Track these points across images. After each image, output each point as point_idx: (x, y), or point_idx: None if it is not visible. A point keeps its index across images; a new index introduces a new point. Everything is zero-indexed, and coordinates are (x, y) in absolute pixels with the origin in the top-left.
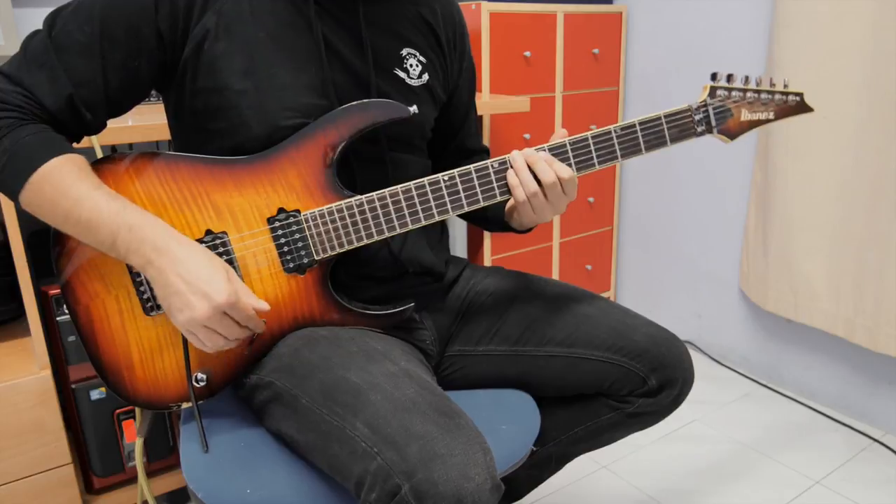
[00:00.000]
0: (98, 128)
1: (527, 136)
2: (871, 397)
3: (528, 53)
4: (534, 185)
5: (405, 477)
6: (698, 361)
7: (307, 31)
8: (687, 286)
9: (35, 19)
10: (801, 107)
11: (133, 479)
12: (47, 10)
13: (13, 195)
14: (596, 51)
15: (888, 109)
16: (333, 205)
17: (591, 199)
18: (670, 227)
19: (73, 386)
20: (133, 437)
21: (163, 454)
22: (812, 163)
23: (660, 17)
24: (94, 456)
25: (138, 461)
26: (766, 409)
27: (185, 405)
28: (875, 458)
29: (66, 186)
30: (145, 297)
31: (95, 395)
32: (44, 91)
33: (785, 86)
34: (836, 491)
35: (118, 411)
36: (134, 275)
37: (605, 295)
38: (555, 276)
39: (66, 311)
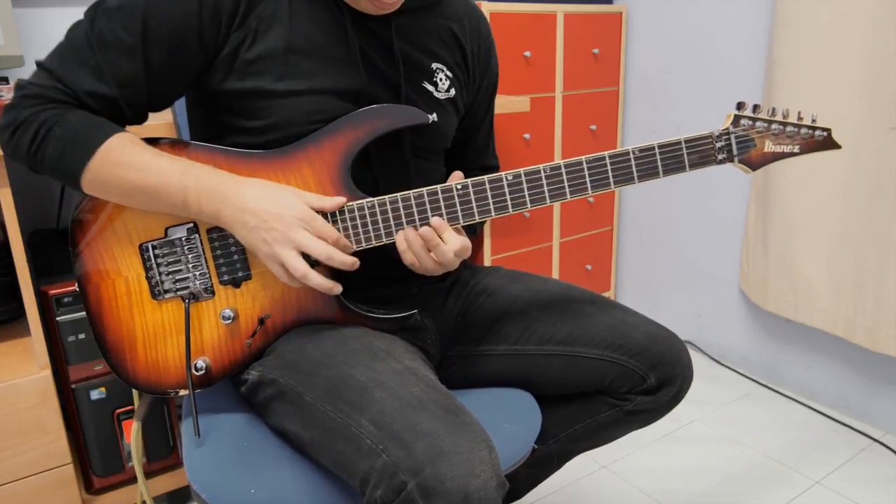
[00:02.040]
0: (139, 122)
1: (527, 135)
2: (871, 397)
3: (528, 53)
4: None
5: (411, 474)
6: (698, 361)
7: (343, 40)
8: (687, 286)
9: (35, 19)
10: (829, 142)
11: (133, 479)
12: (47, 10)
13: (75, 180)
14: (596, 51)
15: (888, 109)
16: (345, 205)
17: (590, 199)
18: (670, 226)
19: (73, 386)
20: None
21: (163, 454)
22: (812, 163)
23: (660, 17)
24: (94, 456)
25: (134, 447)
26: (766, 409)
27: (182, 392)
28: (875, 458)
29: (128, 160)
30: (153, 281)
31: (95, 395)
32: (86, 89)
33: (813, 120)
34: (836, 491)
35: (118, 411)
36: (144, 259)
37: (605, 295)
38: (555, 275)
39: (77, 287)
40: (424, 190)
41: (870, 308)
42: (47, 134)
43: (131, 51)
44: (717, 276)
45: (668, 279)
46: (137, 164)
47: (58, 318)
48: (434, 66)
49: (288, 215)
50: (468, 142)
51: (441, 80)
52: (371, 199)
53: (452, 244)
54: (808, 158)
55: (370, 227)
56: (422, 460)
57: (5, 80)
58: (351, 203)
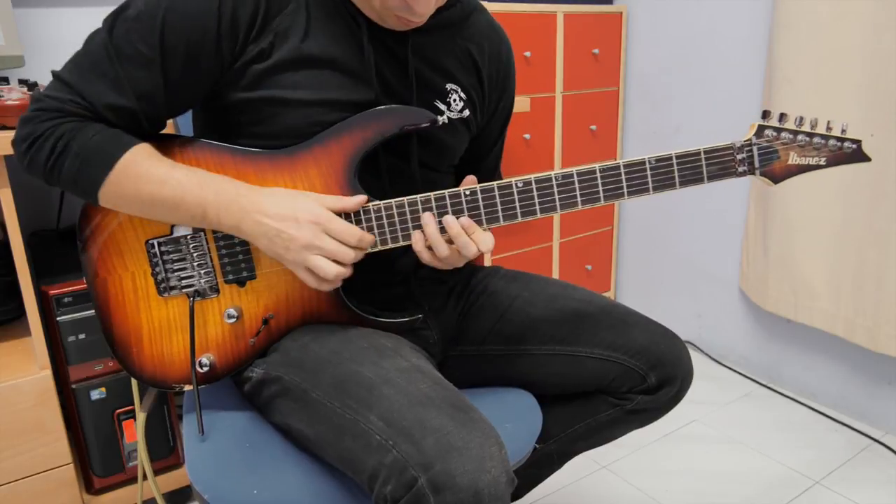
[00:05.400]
0: (155, 132)
1: (527, 136)
2: (871, 397)
3: (528, 53)
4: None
5: (422, 469)
6: (698, 361)
7: (358, 54)
8: (687, 286)
9: (35, 19)
10: (858, 155)
11: (133, 479)
12: (47, 10)
13: (93, 195)
14: (596, 51)
15: (888, 109)
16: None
17: None
18: (670, 226)
19: (73, 386)
20: (133, 436)
21: (163, 454)
22: None
23: (660, 17)
24: (94, 456)
25: (140, 439)
26: (766, 409)
27: (187, 387)
28: (875, 458)
29: (145, 173)
30: (159, 278)
31: (95, 395)
32: (105, 102)
33: (843, 131)
34: (836, 491)
35: (118, 411)
36: (150, 255)
37: (605, 295)
38: (555, 276)
39: (85, 282)
40: (432, 195)
41: (870, 308)
42: (65, 149)
43: (150, 63)
44: (717, 276)
45: (669, 279)
46: (155, 176)
47: (58, 319)
48: (448, 86)
49: (304, 221)
50: (481, 161)
51: (455, 101)
52: (388, 200)
53: (483, 244)
54: None
55: (386, 229)
56: (432, 456)
57: (5, 80)
58: (368, 205)
